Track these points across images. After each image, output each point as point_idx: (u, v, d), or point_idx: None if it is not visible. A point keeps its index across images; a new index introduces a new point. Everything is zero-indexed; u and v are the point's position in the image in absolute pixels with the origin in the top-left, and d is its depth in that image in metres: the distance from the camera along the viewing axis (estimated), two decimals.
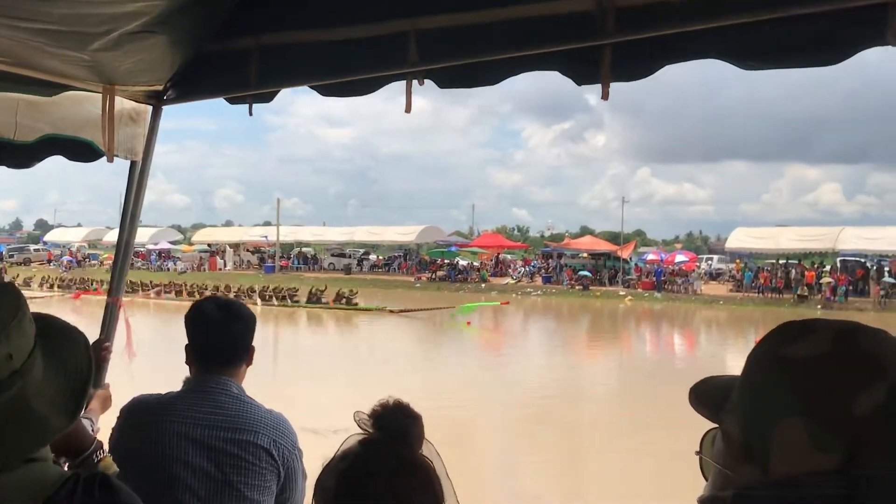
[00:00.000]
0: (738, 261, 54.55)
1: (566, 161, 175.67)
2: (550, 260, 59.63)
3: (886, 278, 46.05)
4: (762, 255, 53.94)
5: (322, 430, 8.67)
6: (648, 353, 28.76)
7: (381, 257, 68.48)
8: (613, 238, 68.84)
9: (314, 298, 42.52)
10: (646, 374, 22.97)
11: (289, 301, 43.03)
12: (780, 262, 51.04)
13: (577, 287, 51.15)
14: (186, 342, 2.65)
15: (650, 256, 58.48)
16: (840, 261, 50.16)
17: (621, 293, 47.91)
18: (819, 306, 41.73)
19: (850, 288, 45.82)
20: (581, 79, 2.52)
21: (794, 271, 48.65)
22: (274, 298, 43.37)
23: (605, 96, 2.44)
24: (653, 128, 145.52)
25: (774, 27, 2.18)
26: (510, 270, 59.78)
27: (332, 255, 66.33)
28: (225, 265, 65.92)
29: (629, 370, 24.72)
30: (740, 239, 54.11)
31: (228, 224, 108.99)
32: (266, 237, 67.92)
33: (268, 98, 3.17)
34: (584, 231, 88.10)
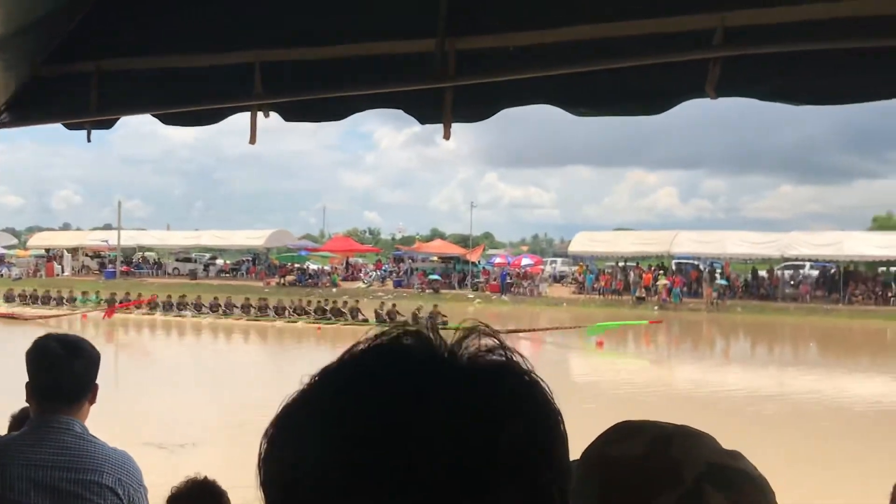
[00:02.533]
0: (581, 264, 56.39)
1: (417, 164, 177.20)
2: (402, 264, 59.89)
3: (718, 280, 48.69)
4: (603, 258, 55.93)
5: None
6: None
7: (228, 262, 66.97)
8: (463, 241, 69.72)
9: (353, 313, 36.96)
10: None
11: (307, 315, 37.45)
12: (620, 264, 53.16)
13: (427, 291, 51.58)
14: (27, 380, 2.57)
15: (498, 260, 59.64)
16: (675, 263, 52.68)
17: (470, 296, 48.71)
18: (656, 307, 43.65)
19: (685, 289, 48.16)
20: (424, 118, 2.60)
21: (632, 274, 50.75)
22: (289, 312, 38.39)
23: (446, 136, 2.53)
24: (501, 133, 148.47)
25: (603, 78, 2.33)
26: (362, 274, 59.69)
27: (177, 260, 64.39)
28: (63, 271, 62.88)
29: None
30: (582, 243, 55.95)
31: (66, 227, 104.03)
32: (107, 241, 65.18)
33: (108, 125, 3.10)
34: (435, 234, 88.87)
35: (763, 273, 50.47)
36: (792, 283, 49.80)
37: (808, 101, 2.24)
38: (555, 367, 26.80)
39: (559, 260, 64.43)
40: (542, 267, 59.48)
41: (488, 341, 0.71)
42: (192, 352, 29.87)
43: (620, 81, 2.32)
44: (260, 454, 0.70)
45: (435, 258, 58.88)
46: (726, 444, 1.01)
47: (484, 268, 57.89)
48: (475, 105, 2.53)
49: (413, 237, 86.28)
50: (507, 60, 2.38)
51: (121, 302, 40.51)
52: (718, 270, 51.05)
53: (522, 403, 0.68)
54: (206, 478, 2.34)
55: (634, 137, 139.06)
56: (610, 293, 49.74)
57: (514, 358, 0.71)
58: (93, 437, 2.57)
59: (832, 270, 49.43)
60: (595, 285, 51.09)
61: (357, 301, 38.22)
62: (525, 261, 58.64)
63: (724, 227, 63.64)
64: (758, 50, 2.14)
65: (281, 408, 0.70)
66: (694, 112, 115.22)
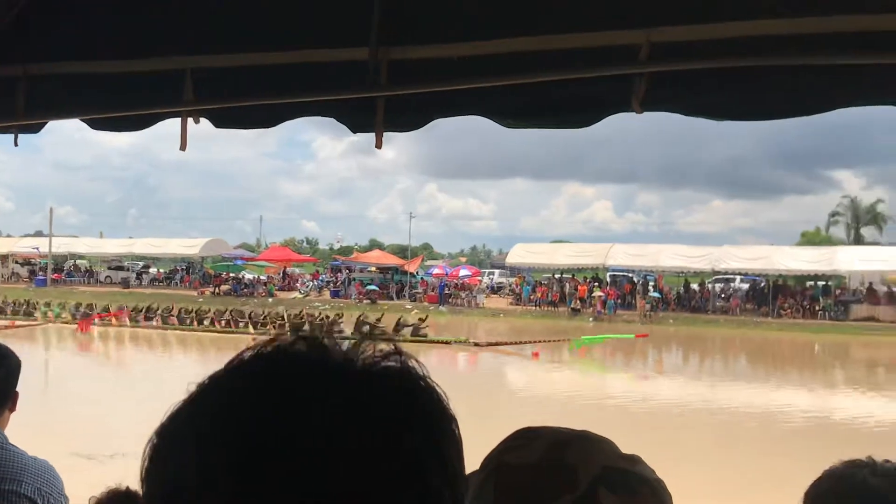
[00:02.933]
0: (519, 275, 56.81)
1: (356, 174, 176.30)
2: (339, 274, 59.59)
3: (652, 293, 49.50)
4: (540, 270, 56.42)
5: None
6: (433, 364, 29.33)
7: (162, 270, 65.92)
8: (402, 251, 69.74)
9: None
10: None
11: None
12: (556, 276, 53.67)
13: (365, 301, 51.38)
14: None
15: (436, 271, 59.80)
16: (610, 275, 53.39)
17: (407, 307, 48.59)
18: (591, 318, 44.11)
19: (619, 301, 48.80)
20: (356, 127, 2.61)
21: (568, 285, 51.27)
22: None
23: (378, 145, 2.54)
24: (441, 144, 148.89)
25: (533, 90, 2.36)
26: (298, 284, 59.23)
27: (110, 268, 63.19)
28: None
29: None
30: (520, 254, 56.44)
31: None
32: (37, 248, 63.65)
33: (35, 129, 3.04)
34: (373, 244, 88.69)
35: (695, 286, 51.39)
36: (723, 295, 50.82)
37: (731, 116, 2.30)
38: (490, 376, 26.96)
39: (497, 271, 64.82)
40: (479, 278, 59.78)
41: (385, 347, 0.70)
42: (140, 361, 29.32)
43: (549, 94, 2.35)
44: (142, 466, 0.66)
45: (373, 268, 58.75)
46: (648, 452, 1.03)
47: (422, 278, 58.00)
48: (407, 115, 2.54)
49: (351, 247, 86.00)
50: (439, 71, 2.40)
51: (98, 313, 38.70)
52: (652, 283, 51.96)
53: (417, 409, 0.67)
54: (128, 488, 2.30)
55: (572, 151, 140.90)
56: (546, 304, 50.21)
57: (410, 364, 0.70)
58: (12, 446, 2.52)
59: (762, 284, 50.56)
60: (532, 297, 51.54)
61: (336, 315, 37.31)
62: (463, 272, 58.87)
63: (658, 241, 64.71)
64: (682, 66, 2.20)
65: (165, 417, 0.67)
66: (629, 127, 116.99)
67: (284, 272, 61.06)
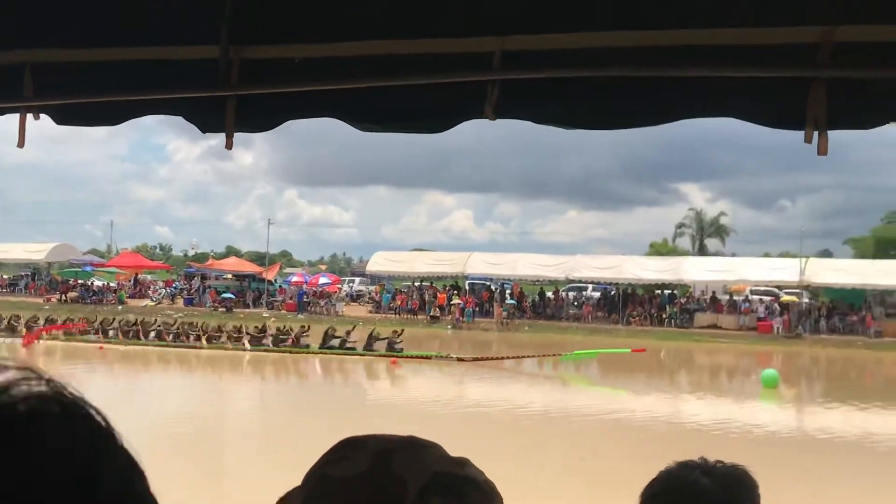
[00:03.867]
0: (379, 283, 56.88)
1: (213, 178, 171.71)
2: (194, 281, 58.07)
3: (508, 300, 50.46)
4: (400, 278, 56.65)
5: None
6: (268, 374, 29.03)
7: (6, 277, 62.60)
8: (259, 258, 68.57)
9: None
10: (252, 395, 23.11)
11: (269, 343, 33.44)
12: (416, 284, 53.98)
13: (220, 309, 50.25)
14: None
15: (295, 278, 59.21)
16: (469, 284, 54.12)
17: (265, 315, 47.80)
18: (449, 326, 44.55)
19: (477, 309, 49.50)
20: (206, 127, 2.53)
21: (427, 294, 51.66)
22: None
23: (229, 146, 2.47)
24: (301, 149, 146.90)
25: (386, 94, 2.35)
26: (150, 292, 57.36)
27: None
28: None
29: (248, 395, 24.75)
30: (380, 262, 56.48)
31: None
32: None
33: None
34: (230, 251, 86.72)
35: (550, 294, 52.67)
36: (576, 303, 52.27)
37: (581, 125, 2.35)
38: (347, 385, 26.85)
39: (357, 279, 64.66)
40: (339, 286, 59.51)
41: (18, 375, 0.60)
42: None
43: (403, 99, 2.35)
44: None
45: (229, 276, 57.59)
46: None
47: (281, 286, 57.25)
48: (258, 115, 2.49)
49: (207, 254, 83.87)
50: (292, 72, 2.36)
51: (45, 326, 35.76)
52: (509, 291, 52.98)
53: (65, 440, 0.59)
54: None
55: (433, 160, 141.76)
56: (406, 313, 50.41)
57: (58, 390, 0.61)
58: None
59: (612, 292, 52.32)
60: (391, 304, 51.64)
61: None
62: (322, 279, 58.50)
63: (516, 250, 65.88)
64: (533, 75, 2.24)
65: None
66: (490, 137, 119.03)
67: (136, 279, 59.01)
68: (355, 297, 58.55)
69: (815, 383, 30.55)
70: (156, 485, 0.59)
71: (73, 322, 36.74)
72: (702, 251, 79.43)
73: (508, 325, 46.41)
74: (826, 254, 71.65)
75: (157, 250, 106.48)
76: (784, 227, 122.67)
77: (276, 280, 57.96)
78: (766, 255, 72.18)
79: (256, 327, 35.05)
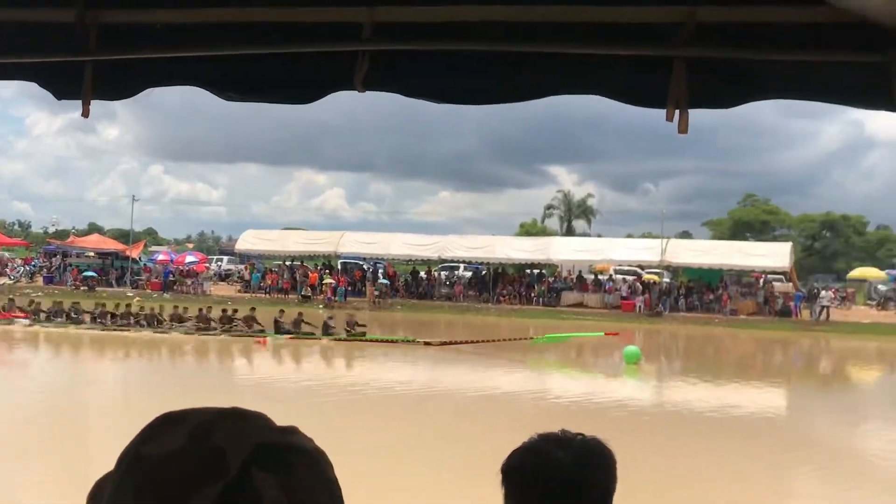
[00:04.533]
0: (249, 262, 55.92)
1: (75, 153, 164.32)
2: (54, 259, 55.68)
3: (381, 280, 50.51)
4: (271, 257, 55.86)
5: None
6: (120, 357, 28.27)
7: None
8: (123, 236, 66.24)
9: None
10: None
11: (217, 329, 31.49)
12: (287, 263, 53.34)
13: (82, 288, 48.39)
14: None
15: (160, 257, 57.73)
16: (341, 263, 53.87)
17: (129, 294, 46.27)
18: (321, 306, 44.20)
19: (350, 288, 49.32)
20: (62, 94, 2.42)
21: (298, 273, 51.14)
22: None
23: (85, 114, 2.37)
24: (168, 123, 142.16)
25: (252, 63, 2.30)
26: (8, 270, 54.68)
27: None
28: None
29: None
30: (249, 241, 55.52)
31: None
32: None
33: None
34: (93, 228, 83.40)
35: (423, 273, 52.96)
36: (448, 283, 52.76)
37: (450, 100, 2.35)
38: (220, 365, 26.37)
39: (225, 258, 63.35)
40: (207, 265, 58.25)
41: None
42: None
43: (269, 68, 2.30)
44: None
45: (91, 254, 55.50)
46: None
47: (145, 265, 55.63)
48: (117, 82, 2.39)
49: (68, 231, 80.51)
50: (153, 37, 2.28)
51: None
52: (381, 270, 53.01)
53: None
54: None
55: (305, 137, 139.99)
56: (276, 292, 49.77)
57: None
58: None
59: (483, 272, 53.06)
60: (262, 284, 50.89)
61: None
62: (189, 258, 57.21)
63: (389, 230, 65.93)
64: (404, 46, 2.23)
65: None
66: (363, 115, 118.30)
67: None
68: (224, 277, 57.44)
69: (674, 359, 31.82)
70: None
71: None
72: (569, 232, 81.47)
73: (381, 305, 46.47)
74: (686, 235, 74.90)
75: (16, 227, 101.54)
76: (647, 209, 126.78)
77: (140, 258, 56.29)
78: (630, 236, 74.75)
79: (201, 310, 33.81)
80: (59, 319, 32.75)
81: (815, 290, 48.53)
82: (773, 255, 48.55)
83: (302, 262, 53.95)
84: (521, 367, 26.79)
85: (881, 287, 52.78)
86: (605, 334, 31.18)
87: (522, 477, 1.62)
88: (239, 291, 51.07)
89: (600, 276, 52.41)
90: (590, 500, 1.61)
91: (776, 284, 49.76)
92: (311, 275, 50.54)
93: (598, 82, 2.27)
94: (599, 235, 73.64)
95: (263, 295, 49.03)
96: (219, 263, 61.42)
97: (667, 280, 51.16)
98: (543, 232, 76.57)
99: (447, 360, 27.31)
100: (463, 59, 2.24)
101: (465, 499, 10.72)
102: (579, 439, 1.65)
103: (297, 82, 2.33)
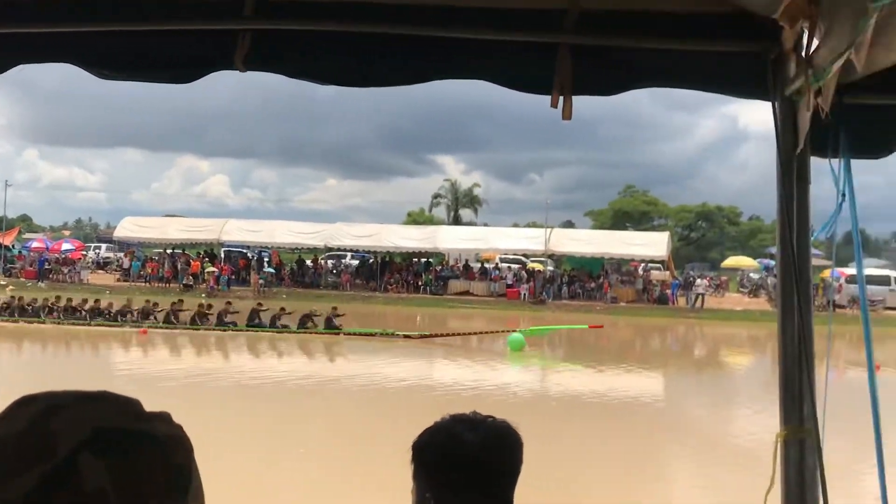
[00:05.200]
0: (129, 250, 54.27)
1: None
2: None
3: (266, 268, 49.79)
4: (151, 245, 54.37)
5: None
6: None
7: None
8: None
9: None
10: None
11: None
12: (168, 251, 52.01)
13: None
14: None
15: (35, 244, 55.52)
16: (224, 251, 52.83)
17: (2, 283, 44.42)
18: (203, 294, 43.29)
19: (234, 277, 48.45)
20: None
21: (179, 261, 49.94)
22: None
23: None
24: (43, 105, 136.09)
25: (129, 40, 2.23)
26: None
27: None
28: None
29: None
30: (129, 228, 53.84)
31: None
32: None
33: None
34: None
35: (308, 262, 52.44)
36: (334, 271, 52.40)
37: (334, 81, 2.33)
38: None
39: (104, 246, 61.30)
40: (84, 252, 56.28)
41: None
42: None
43: (146, 45, 2.24)
44: None
45: None
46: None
47: (19, 252, 53.37)
48: None
49: None
50: (24, 11, 2.19)
51: None
52: (266, 259, 52.25)
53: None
54: None
55: (187, 122, 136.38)
56: (157, 280, 48.51)
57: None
58: None
59: (371, 260, 52.91)
60: (142, 272, 49.48)
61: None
62: (66, 245, 55.21)
63: (274, 217, 65.10)
64: (286, 26, 2.20)
65: None
66: (246, 100, 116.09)
67: None
68: (102, 265, 55.57)
69: (556, 346, 32.39)
70: None
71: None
72: (456, 221, 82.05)
73: (266, 294, 45.75)
74: (569, 225, 76.28)
75: None
76: (532, 198, 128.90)
77: (13, 246, 53.98)
78: (515, 225, 75.80)
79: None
80: None
81: (691, 279, 50.39)
82: (652, 245, 50.06)
83: (184, 250, 52.68)
84: (415, 357, 26.87)
85: (753, 275, 55.07)
86: (590, 326, 32.02)
87: (432, 455, 1.65)
88: (118, 280, 49.56)
89: (486, 265, 52.98)
90: (495, 480, 1.66)
91: (654, 273, 51.38)
92: (192, 263, 49.42)
93: (484, 68, 2.29)
94: (486, 225, 74.44)
95: (144, 284, 47.73)
96: (97, 251, 59.40)
97: (550, 268, 52.11)
98: (431, 221, 76.94)
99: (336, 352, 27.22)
100: (347, 40, 2.23)
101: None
102: (489, 422, 1.70)
103: (176, 60, 2.27)
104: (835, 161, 2.18)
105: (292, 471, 11.95)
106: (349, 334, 30.00)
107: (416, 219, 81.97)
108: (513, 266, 52.09)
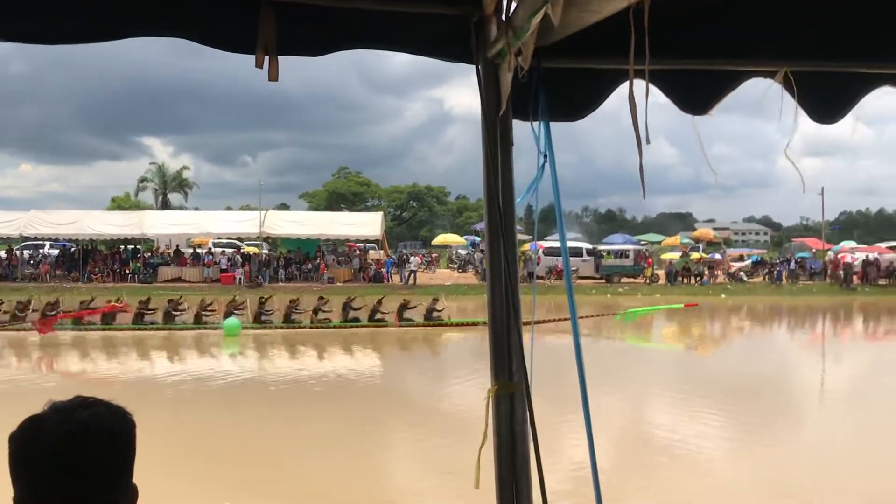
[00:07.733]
0: None
1: None
2: None
3: None
4: None
5: None
6: None
7: None
8: None
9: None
10: None
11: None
12: None
13: None
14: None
15: None
16: None
17: None
18: None
19: None
20: None
21: None
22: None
23: None
24: None
25: None
26: None
27: None
28: None
29: None
30: None
31: None
32: None
33: None
34: None
35: (2, 253, 48.36)
36: (32, 262, 48.79)
37: (6, 38, 2.11)
38: None
39: None
40: None
41: None
42: None
43: None
44: None
45: None
46: None
47: None
48: None
49: None
50: None
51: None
52: None
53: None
54: None
55: None
56: None
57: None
58: None
59: (72, 249, 49.75)
60: None
61: None
62: None
63: None
64: None
65: None
66: None
67: None
68: None
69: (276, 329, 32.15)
70: None
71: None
72: (165, 205, 79.11)
73: None
74: (284, 207, 75.99)
75: None
76: (245, 181, 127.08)
77: None
78: (229, 208, 74.33)
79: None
80: None
81: (405, 256, 51.89)
82: (366, 225, 51.02)
83: None
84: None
85: (461, 252, 57.69)
86: (685, 305, 32.45)
87: (15, 447, 1.44)
88: None
89: (199, 250, 51.45)
90: (79, 474, 1.43)
91: (371, 252, 52.35)
92: None
93: (184, 25, 2.15)
94: (197, 209, 72.24)
95: None
96: None
97: (266, 251, 51.59)
98: (137, 206, 73.57)
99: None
100: None
101: None
102: (88, 412, 1.46)
103: None
104: (536, 124, 2.28)
105: None
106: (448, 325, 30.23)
107: (121, 204, 77.83)
108: (227, 250, 51.02)
